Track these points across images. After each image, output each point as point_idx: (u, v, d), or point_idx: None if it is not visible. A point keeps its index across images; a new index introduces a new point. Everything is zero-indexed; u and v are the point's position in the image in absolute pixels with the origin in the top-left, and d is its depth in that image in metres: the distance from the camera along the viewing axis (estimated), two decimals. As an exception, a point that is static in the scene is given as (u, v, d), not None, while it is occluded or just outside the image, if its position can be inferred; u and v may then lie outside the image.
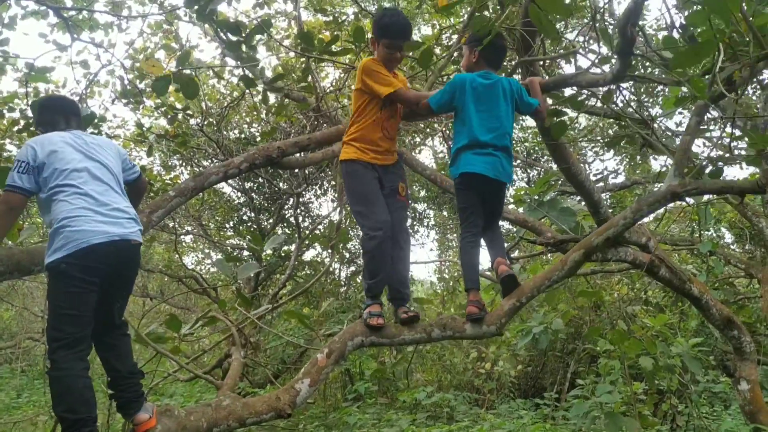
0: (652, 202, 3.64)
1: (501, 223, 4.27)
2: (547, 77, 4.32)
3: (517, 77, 4.37)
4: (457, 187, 3.70)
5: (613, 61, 3.34)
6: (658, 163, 11.29)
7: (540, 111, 3.80)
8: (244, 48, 4.19)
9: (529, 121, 12.13)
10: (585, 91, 4.31)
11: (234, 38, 4.08)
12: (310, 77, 6.00)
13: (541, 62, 4.52)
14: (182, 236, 12.88)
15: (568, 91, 4.24)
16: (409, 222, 13.40)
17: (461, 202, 3.71)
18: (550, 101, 4.21)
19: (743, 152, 5.15)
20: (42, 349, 13.67)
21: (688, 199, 3.93)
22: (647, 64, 5.06)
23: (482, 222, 3.70)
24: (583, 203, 5.23)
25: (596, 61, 3.55)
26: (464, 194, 3.67)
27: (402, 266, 3.68)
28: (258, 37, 4.37)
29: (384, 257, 3.60)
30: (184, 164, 11.78)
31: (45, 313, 2.74)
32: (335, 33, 5.77)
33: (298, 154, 4.13)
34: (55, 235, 2.79)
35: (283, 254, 11.87)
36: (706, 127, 5.34)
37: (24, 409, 10.44)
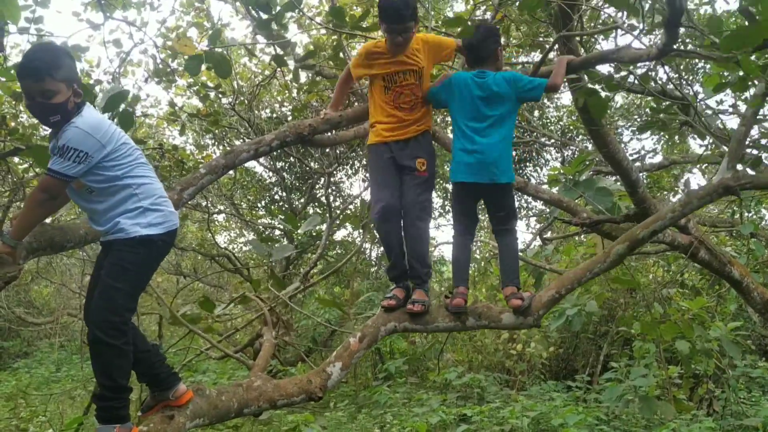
0: (703, 195, 3.47)
1: (534, 203, 4.19)
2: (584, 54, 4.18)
3: (553, 55, 4.24)
4: (452, 189, 3.69)
5: (654, 38, 3.21)
6: (697, 143, 11.01)
7: (551, 88, 3.54)
8: (274, 26, 4.12)
9: (564, 100, 11.91)
10: (622, 71, 4.15)
11: (264, 16, 4.02)
12: (341, 54, 5.93)
13: (579, 38, 4.36)
14: (215, 215, 12.98)
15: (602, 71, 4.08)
16: (439, 203, 13.29)
17: (453, 203, 3.72)
18: (586, 78, 4.07)
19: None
20: (80, 324, 13.96)
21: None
22: (688, 40, 4.87)
23: (474, 224, 3.68)
24: (619, 183, 5.10)
25: (640, 33, 3.39)
26: (455, 199, 3.66)
27: (415, 243, 3.55)
28: (289, 14, 4.31)
29: (389, 240, 3.57)
30: (216, 143, 11.84)
31: (115, 282, 2.55)
32: (367, 9, 5.66)
33: (329, 132, 4.05)
34: (151, 209, 2.70)
35: (314, 233, 11.89)
36: (763, 116, 5.12)
37: (63, 383, 10.70)
